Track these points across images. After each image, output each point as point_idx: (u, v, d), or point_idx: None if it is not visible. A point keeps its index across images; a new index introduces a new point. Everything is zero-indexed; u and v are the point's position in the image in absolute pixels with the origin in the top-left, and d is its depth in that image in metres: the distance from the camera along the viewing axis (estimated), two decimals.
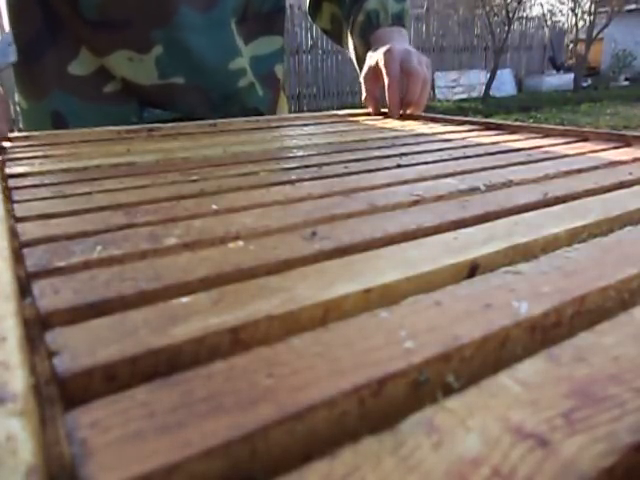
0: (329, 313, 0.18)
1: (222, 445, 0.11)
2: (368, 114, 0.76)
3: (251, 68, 0.72)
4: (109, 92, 0.66)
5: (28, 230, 0.25)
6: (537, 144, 0.47)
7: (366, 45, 0.74)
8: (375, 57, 0.69)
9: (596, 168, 0.38)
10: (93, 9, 0.62)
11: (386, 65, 0.67)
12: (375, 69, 0.69)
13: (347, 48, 0.83)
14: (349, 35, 0.77)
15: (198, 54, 0.65)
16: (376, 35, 0.72)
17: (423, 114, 0.68)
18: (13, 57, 0.54)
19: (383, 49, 0.68)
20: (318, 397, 0.13)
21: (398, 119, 0.68)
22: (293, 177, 0.36)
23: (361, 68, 0.77)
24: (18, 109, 0.69)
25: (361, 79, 0.73)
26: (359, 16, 0.74)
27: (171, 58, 0.64)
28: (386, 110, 0.70)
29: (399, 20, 0.73)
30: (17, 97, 0.70)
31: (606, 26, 7.36)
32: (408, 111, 0.69)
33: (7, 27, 0.67)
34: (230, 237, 0.24)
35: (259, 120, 0.66)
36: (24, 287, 0.19)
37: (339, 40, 0.83)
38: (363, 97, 0.74)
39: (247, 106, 0.72)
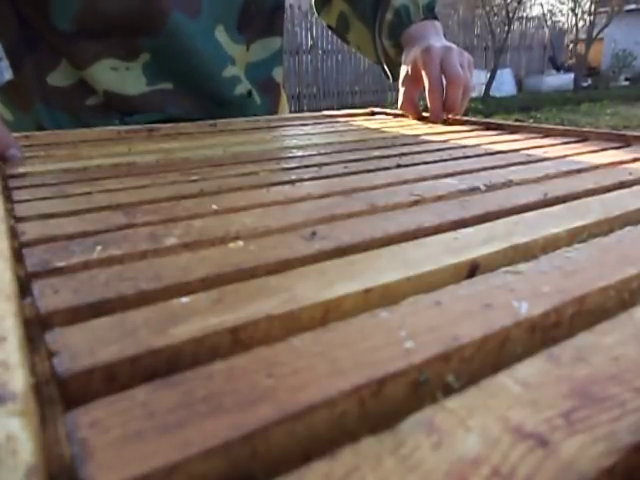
0: (329, 313, 0.18)
1: (222, 445, 0.11)
2: (368, 114, 0.76)
3: (247, 75, 0.70)
4: (91, 105, 0.64)
5: (28, 230, 0.25)
6: (537, 144, 0.47)
7: (397, 46, 0.68)
8: (412, 57, 0.63)
9: (596, 168, 0.38)
10: (69, 21, 0.59)
11: (425, 66, 0.61)
12: (413, 71, 0.64)
13: (354, 48, 0.79)
14: (377, 37, 0.71)
15: (192, 61, 0.63)
16: (408, 33, 0.66)
17: (424, 114, 0.68)
18: (8, 74, 0.47)
19: (421, 48, 0.62)
20: (318, 397, 0.13)
21: (423, 120, 0.64)
22: (293, 177, 0.36)
23: (392, 72, 0.72)
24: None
25: (399, 83, 0.67)
26: (387, 15, 0.67)
27: (159, 65, 0.62)
28: (426, 115, 0.65)
29: (431, 12, 0.67)
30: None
31: (606, 26, 7.36)
32: (449, 116, 0.63)
33: None
34: (230, 237, 0.24)
35: (259, 120, 0.66)
36: (24, 287, 0.19)
37: (343, 38, 0.79)
38: (400, 102, 0.67)
39: (245, 115, 0.69)
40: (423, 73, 0.62)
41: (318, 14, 0.81)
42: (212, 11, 0.64)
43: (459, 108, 0.62)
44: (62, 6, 0.58)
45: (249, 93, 0.69)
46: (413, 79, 0.65)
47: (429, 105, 0.63)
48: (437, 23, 0.67)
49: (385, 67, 0.74)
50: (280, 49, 0.74)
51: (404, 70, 0.66)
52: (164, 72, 0.63)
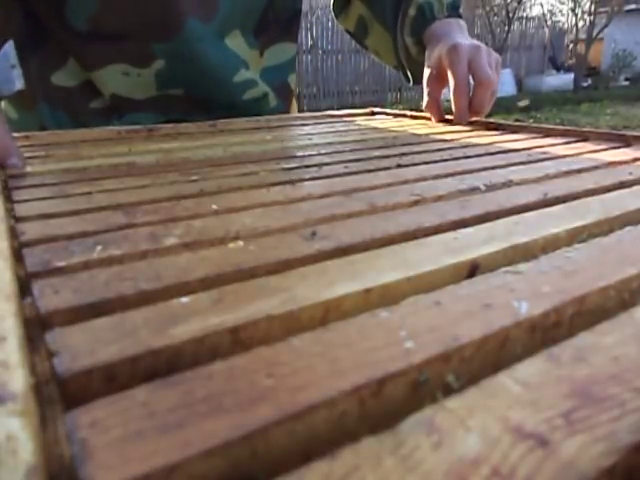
0: (329, 313, 0.18)
1: (222, 445, 0.11)
2: (368, 114, 0.76)
3: (262, 78, 0.69)
4: (96, 107, 0.63)
5: (28, 230, 0.25)
6: (537, 144, 0.47)
7: (419, 43, 0.66)
8: (437, 55, 0.60)
9: (596, 168, 0.38)
10: (84, 20, 0.58)
11: (451, 65, 0.58)
12: (438, 69, 0.61)
13: (373, 53, 0.78)
14: (398, 35, 0.68)
15: (203, 66, 0.62)
16: (431, 30, 0.63)
17: (423, 114, 0.68)
18: (19, 84, 0.45)
19: (447, 45, 0.59)
20: (318, 397, 0.13)
21: (442, 122, 0.62)
22: (293, 177, 0.36)
23: (413, 72, 0.71)
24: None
25: (424, 83, 0.64)
26: (410, 10, 0.65)
27: (173, 71, 0.61)
28: (450, 117, 0.63)
29: (455, 10, 0.65)
30: (3, 105, 0.67)
31: (606, 26, 7.36)
32: (474, 118, 0.61)
33: None
34: (230, 237, 0.24)
35: (259, 120, 0.66)
36: (24, 287, 0.19)
37: (361, 43, 0.78)
38: (424, 103, 0.65)
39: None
40: (449, 72, 0.59)
41: (336, 18, 0.80)
42: (229, 15, 0.63)
43: (485, 111, 0.60)
44: (79, 4, 0.57)
45: (264, 95, 0.68)
46: (437, 78, 0.62)
47: (453, 105, 0.60)
48: (462, 22, 0.65)
49: (405, 69, 0.72)
50: (294, 56, 0.73)
51: (428, 68, 0.63)
52: (176, 78, 0.62)
